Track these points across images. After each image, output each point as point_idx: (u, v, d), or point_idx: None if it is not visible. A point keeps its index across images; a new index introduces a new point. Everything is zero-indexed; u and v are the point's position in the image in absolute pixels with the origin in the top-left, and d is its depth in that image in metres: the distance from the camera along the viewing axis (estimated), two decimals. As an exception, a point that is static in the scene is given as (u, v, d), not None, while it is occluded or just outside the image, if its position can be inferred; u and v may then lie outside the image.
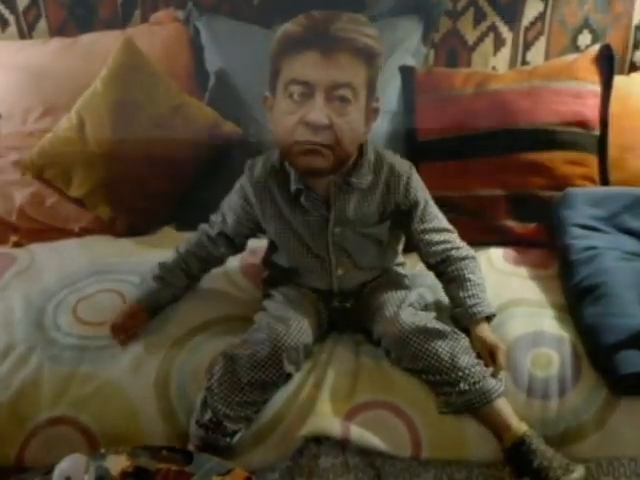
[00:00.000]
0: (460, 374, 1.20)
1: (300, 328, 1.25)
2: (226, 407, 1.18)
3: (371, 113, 1.26)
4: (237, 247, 1.43)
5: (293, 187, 1.29)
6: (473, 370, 1.21)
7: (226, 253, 1.43)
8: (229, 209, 1.38)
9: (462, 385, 1.20)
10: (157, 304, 1.38)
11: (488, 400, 1.20)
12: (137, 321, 1.34)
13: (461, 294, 1.32)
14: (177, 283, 1.40)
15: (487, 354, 1.25)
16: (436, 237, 1.36)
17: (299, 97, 1.19)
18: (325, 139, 1.19)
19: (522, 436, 1.18)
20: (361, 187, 1.30)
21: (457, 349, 1.22)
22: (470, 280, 1.33)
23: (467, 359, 1.22)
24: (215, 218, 1.40)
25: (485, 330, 1.29)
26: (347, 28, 1.18)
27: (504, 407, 1.21)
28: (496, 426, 1.20)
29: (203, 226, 1.42)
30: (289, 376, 1.24)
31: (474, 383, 1.20)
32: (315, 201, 1.29)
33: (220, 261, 1.44)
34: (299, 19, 1.21)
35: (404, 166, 1.35)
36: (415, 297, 1.35)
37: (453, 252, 1.35)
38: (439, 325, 1.26)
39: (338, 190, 1.29)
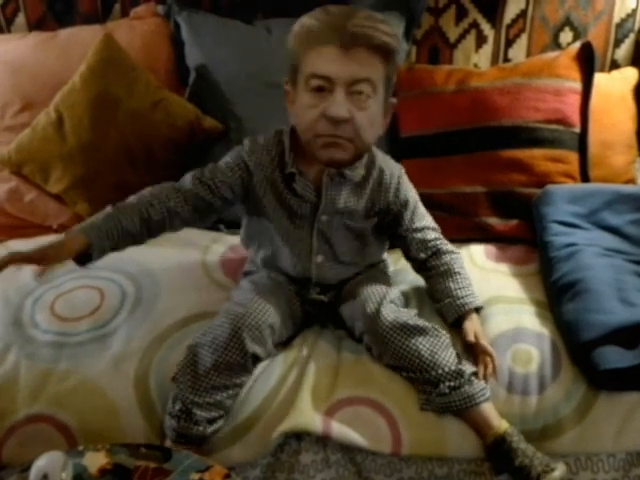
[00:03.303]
0: (440, 372, 1.21)
1: (262, 309, 1.25)
2: (193, 395, 1.18)
3: (389, 107, 1.29)
4: (204, 212, 1.30)
5: (287, 170, 1.30)
6: (454, 369, 1.21)
7: (189, 213, 1.27)
8: (219, 168, 1.30)
9: (442, 387, 1.20)
10: (98, 233, 1.19)
11: (471, 404, 1.20)
12: (65, 249, 1.16)
13: (452, 285, 1.35)
14: (128, 224, 1.22)
15: (477, 354, 1.26)
16: (428, 235, 1.39)
17: (320, 91, 1.20)
18: (345, 132, 1.22)
19: (503, 434, 1.19)
20: (353, 180, 1.32)
21: (438, 346, 1.23)
22: (460, 274, 1.37)
23: (448, 357, 1.22)
24: (196, 173, 1.30)
25: (477, 324, 1.31)
26: (364, 25, 1.19)
27: (487, 408, 1.21)
28: (477, 424, 1.21)
29: (174, 183, 1.31)
30: (257, 358, 1.24)
31: (455, 387, 1.20)
32: (307, 187, 1.31)
33: (179, 221, 1.28)
34: (316, 13, 1.22)
35: (395, 167, 1.38)
36: (396, 294, 1.35)
37: (442, 247, 1.39)
38: (420, 322, 1.26)
39: (330, 180, 1.30)
